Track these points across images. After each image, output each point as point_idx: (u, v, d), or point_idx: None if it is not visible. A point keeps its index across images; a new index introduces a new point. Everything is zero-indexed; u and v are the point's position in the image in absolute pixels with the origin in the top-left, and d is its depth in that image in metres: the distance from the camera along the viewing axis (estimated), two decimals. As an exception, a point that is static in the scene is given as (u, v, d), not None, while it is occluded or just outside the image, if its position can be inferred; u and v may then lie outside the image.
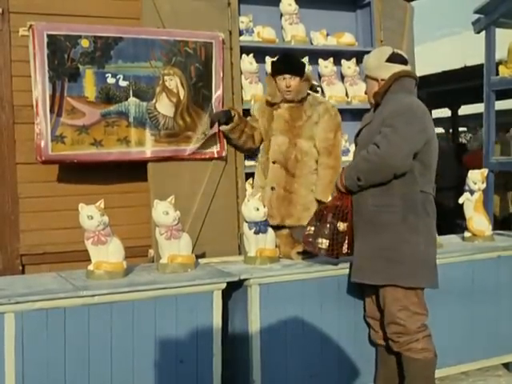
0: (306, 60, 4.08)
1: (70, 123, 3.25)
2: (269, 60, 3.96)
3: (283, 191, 3.40)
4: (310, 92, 3.49)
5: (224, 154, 3.62)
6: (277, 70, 3.44)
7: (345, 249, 2.95)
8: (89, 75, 3.29)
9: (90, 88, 3.29)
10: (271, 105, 3.50)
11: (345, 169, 2.97)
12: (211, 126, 3.51)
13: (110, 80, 3.34)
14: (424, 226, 2.83)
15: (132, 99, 3.38)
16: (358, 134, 3.05)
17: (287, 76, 3.39)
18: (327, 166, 3.42)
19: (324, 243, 2.91)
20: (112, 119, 3.34)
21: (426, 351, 2.84)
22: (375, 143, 2.76)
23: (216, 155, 3.61)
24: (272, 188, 3.42)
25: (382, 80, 2.91)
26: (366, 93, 3.12)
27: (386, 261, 2.79)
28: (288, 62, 3.44)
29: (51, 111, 3.20)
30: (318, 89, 3.70)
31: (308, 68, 3.87)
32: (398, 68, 2.91)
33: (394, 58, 2.92)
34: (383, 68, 2.92)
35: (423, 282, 2.84)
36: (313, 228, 2.96)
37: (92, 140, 3.29)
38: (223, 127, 3.50)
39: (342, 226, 2.91)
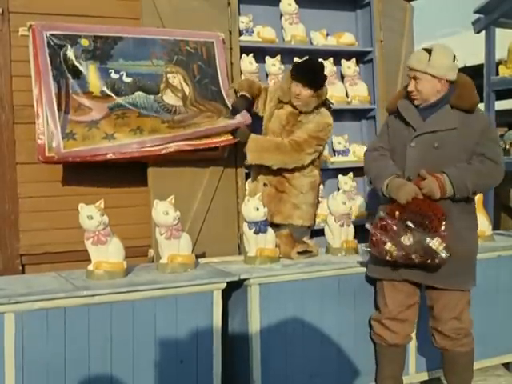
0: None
1: (79, 120, 3.20)
2: (269, 60, 3.97)
3: (274, 190, 3.44)
4: (319, 106, 3.45)
5: (224, 154, 3.61)
6: (293, 75, 3.43)
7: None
8: (92, 71, 3.27)
9: (94, 83, 3.26)
10: (279, 101, 3.51)
11: (448, 177, 2.74)
12: (234, 114, 3.49)
13: (114, 75, 3.32)
14: None
15: (138, 93, 3.34)
16: (422, 133, 2.84)
17: (300, 84, 3.38)
18: (284, 141, 3.36)
19: (445, 253, 2.76)
20: (121, 111, 3.28)
21: (472, 342, 2.96)
22: (489, 158, 2.77)
23: (216, 155, 3.60)
24: (264, 184, 3.46)
25: (448, 81, 2.82)
26: (416, 90, 2.83)
27: (473, 266, 2.89)
28: (305, 71, 3.40)
29: (59, 109, 3.17)
30: (332, 106, 3.63)
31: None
32: (457, 68, 2.87)
33: (455, 59, 2.87)
34: (452, 69, 2.84)
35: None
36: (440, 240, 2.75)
37: (103, 134, 3.22)
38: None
39: (443, 228, 2.76)
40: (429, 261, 2.72)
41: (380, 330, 3.04)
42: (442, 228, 2.73)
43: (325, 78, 3.47)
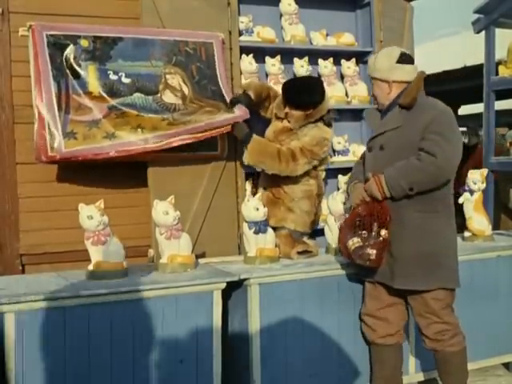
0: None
1: (79, 119, 3.18)
2: (269, 60, 3.96)
3: (271, 195, 3.45)
4: (317, 121, 3.42)
5: (224, 154, 3.61)
6: (283, 95, 3.44)
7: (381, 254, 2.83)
8: (92, 71, 3.26)
9: (93, 83, 3.24)
10: (276, 116, 3.53)
11: (384, 177, 2.78)
12: (231, 107, 3.45)
13: (113, 77, 3.31)
14: (455, 228, 2.91)
15: (137, 94, 3.33)
16: (375, 136, 2.93)
17: (288, 105, 3.39)
18: (283, 148, 3.32)
19: (373, 254, 2.76)
20: (120, 111, 3.26)
21: (463, 341, 2.94)
22: (427, 152, 2.68)
23: (216, 155, 3.60)
24: (264, 188, 3.49)
25: (394, 82, 2.85)
26: (373, 95, 2.99)
27: (438, 266, 2.81)
28: (292, 93, 3.38)
29: (59, 109, 3.15)
30: (332, 122, 3.53)
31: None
32: (409, 68, 2.86)
33: (403, 59, 2.86)
34: (395, 69, 2.84)
35: (459, 282, 2.92)
36: (359, 239, 2.79)
37: (104, 133, 3.20)
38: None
39: (384, 233, 2.77)
40: (356, 261, 2.79)
41: (363, 328, 3.09)
42: (374, 229, 2.76)
43: (317, 96, 3.38)
